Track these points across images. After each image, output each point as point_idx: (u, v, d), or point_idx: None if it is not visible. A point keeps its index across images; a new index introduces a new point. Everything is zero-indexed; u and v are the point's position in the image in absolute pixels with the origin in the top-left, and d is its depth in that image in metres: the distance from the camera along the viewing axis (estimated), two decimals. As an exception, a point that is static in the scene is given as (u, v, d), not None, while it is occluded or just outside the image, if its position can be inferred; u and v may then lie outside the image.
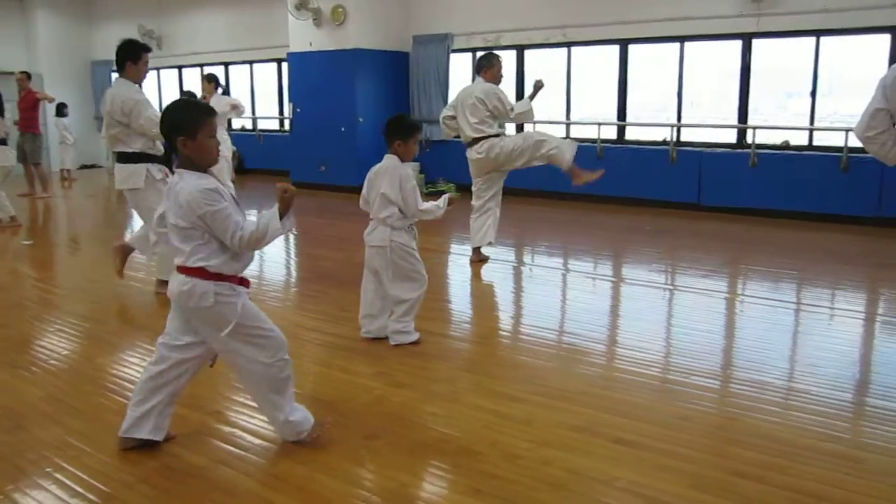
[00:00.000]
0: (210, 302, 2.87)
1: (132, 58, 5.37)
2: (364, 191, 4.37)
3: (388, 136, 4.31)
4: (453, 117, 6.60)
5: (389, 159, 4.30)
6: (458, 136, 6.64)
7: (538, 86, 6.59)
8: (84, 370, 4.16)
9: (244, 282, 3.03)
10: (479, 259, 6.64)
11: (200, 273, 2.87)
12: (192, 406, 3.56)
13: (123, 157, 5.40)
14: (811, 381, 3.89)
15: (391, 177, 4.24)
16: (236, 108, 9.24)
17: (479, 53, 11.24)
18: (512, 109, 6.42)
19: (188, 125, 2.81)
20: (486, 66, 6.50)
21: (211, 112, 2.93)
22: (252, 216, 2.99)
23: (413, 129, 4.37)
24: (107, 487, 2.82)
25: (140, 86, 5.48)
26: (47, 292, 6.03)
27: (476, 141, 6.39)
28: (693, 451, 3.09)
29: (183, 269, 2.90)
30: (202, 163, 2.88)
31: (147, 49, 5.50)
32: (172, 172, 5.38)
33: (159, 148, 5.44)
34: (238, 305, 2.92)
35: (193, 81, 14.81)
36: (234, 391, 3.78)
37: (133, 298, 5.80)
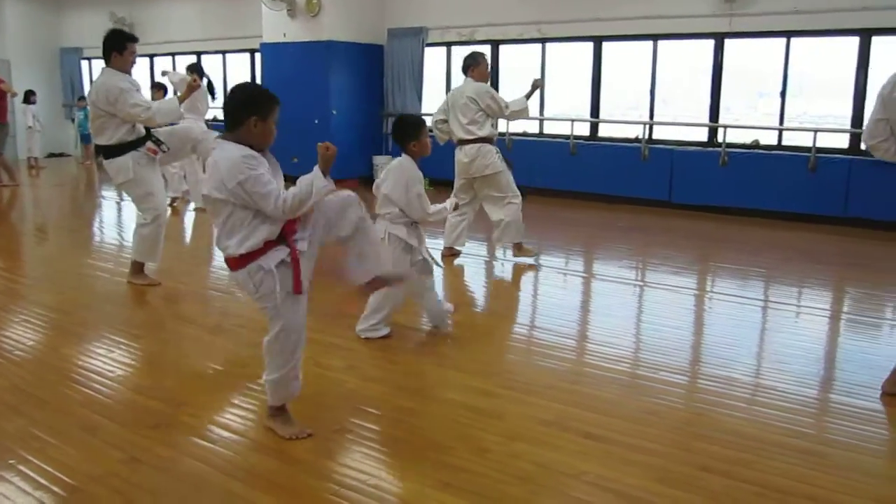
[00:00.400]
0: (272, 281, 2.95)
1: (117, 48, 5.31)
2: (378, 179, 4.38)
3: (400, 141, 4.34)
4: (445, 121, 6.57)
5: (403, 160, 4.32)
6: (451, 139, 6.59)
7: (536, 84, 6.59)
8: (49, 361, 4.10)
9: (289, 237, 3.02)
10: (451, 253, 6.63)
11: (250, 258, 2.93)
12: (161, 398, 3.53)
13: (108, 151, 5.35)
14: (778, 377, 3.95)
15: (396, 179, 4.24)
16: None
17: (454, 48, 11.42)
18: (507, 107, 6.38)
19: (264, 107, 2.92)
20: (473, 65, 6.46)
21: (278, 101, 3.01)
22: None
23: (420, 125, 4.39)
24: (72, 480, 2.78)
25: (130, 74, 5.41)
26: (13, 282, 5.93)
27: (466, 142, 6.35)
28: (660, 445, 3.12)
29: (234, 262, 2.97)
30: (262, 144, 2.97)
31: (133, 39, 5.44)
32: (159, 146, 5.36)
33: (140, 131, 5.38)
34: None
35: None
36: (205, 383, 3.76)
37: (100, 288, 5.72)
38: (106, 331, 4.59)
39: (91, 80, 16.23)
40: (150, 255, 5.58)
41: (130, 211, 9.87)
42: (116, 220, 9.24)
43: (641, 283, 6.27)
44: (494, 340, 4.62)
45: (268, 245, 2.96)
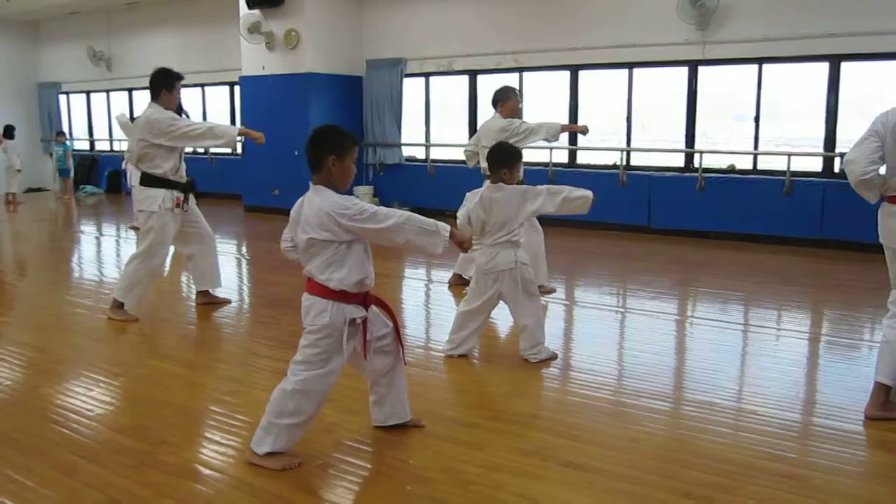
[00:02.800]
0: (325, 321, 3.04)
1: (167, 86, 5.52)
2: (470, 216, 4.47)
3: (495, 167, 4.50)
4: (475, 153, 6.64)
5: (497, 188, 4.47)
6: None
7: (583, 130, 6.83)
8: (27, 400, 4.04)
9: (368, 299, 3.17)
10: (459, 282, 6.63)
11: (321, 291, 3.04)
12: (139, 437, 3.49)
13: (146, 179, 5.50)
14: (758, 401, 3.97)
15: (508, 203, 4.43)
16: None
17: (433, 78, 11.52)
18: (528, 133, 6.40)
19: (341, 146, 3.05)
20: (503, 100, 6.45)
21: (357, 140, 3.16)
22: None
23: (518, 155, 4.66)
24: (49, 523, 2.74)
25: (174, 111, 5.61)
26: (-11, 320, 5.87)
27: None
28: (642, 473, 3.12)
29: (309, 284, 3.10)
30: (342, 184, 3.09)
31: (181, 77, 5.64)
32: (187, 201, 5.44)
33: (181, 176, 5.59)
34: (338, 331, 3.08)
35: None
36: (184, 421, 3.72)
37: (79, 325, 5.67)
38: (85, 369, 4.54)
39: (70, 115, 16.29)
40: (130, 295, 5.57)
41: (109, 245, 9.83)
42: (95, 256, 9.18)
43: (622, 309, 6.30)
44: (475, 370, 4.61)
45: (353, 297, 3.08)
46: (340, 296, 3.04)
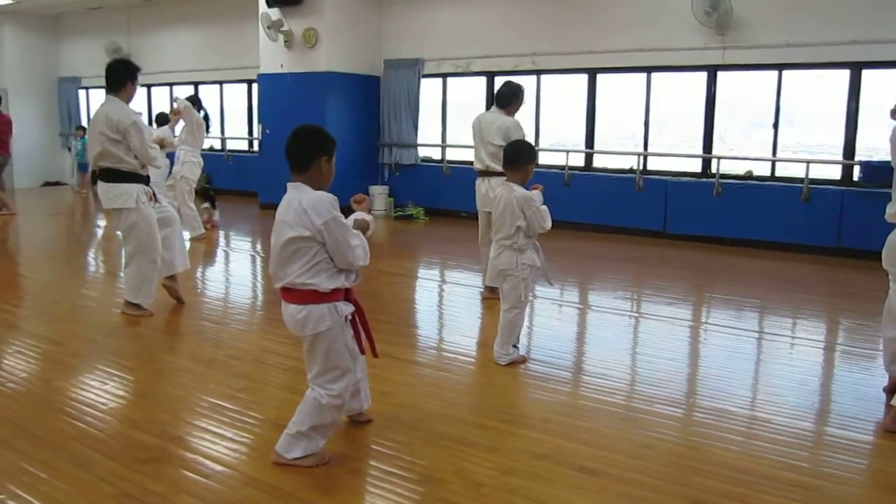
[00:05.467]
0: (328, 324, 3.02)
1: (132, 79, 5.44)
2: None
3: (520, 162, 4.57)
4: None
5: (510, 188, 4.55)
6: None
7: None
8: (42, 393, 4.08)
9: (349, 294, 3.17)
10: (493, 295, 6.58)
11: (310, 296, 2.99)
12: (153, 432, 3.51)
13: (112, 175, 5.37)
14: (772, 409, 3.94)
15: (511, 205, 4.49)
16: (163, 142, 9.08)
17: (450, 79, 11.52)
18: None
19: (331, 147, 3.12)
20: (516, 102, 6.38)
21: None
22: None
23: (534, 154, 4.78)
24: (62, 515, 2.76)
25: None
26: (6, 312, 5.91)
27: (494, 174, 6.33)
28: (654, 479, 3.11)
29: (293, 295, 3.02)
30: (326, 184, 3.10)
31: (139, 69, 5.59)
32: (154, 195, 5.42)
33: (148, 169, 5.50)
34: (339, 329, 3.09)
35: (164, 101, 14.76)
36: (197, 417, 3.74)
37: (94, 319, 5.71)
38: (99, 362, 4.58)
39: (88, 109, 16.40)
40: (141, 293, 5.59)
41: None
42: (111, 250, 9.23)
43: (636, 314, 6.27)
44: (487, 372, 4.61)
45: (342, 293, 3.10)
46: (333, 295, 3.03)
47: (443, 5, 11.45)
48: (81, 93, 16.56)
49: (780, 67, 8.84)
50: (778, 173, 9.22)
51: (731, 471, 3.18)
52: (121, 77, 5.38)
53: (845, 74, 8.51)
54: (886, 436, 3.62)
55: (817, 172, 8.85)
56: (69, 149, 16.12)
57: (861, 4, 8.22)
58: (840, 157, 8.70)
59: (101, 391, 4.07)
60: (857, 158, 8.54)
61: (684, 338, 5.55)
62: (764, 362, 5.01)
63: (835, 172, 8.85)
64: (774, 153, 9.13)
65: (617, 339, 5.46)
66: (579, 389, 4.31)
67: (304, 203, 2.93)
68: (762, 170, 9.34)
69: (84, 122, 16.43)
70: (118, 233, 6.21)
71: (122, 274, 6.02)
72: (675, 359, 4.96)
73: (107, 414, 3.76)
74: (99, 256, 8.76)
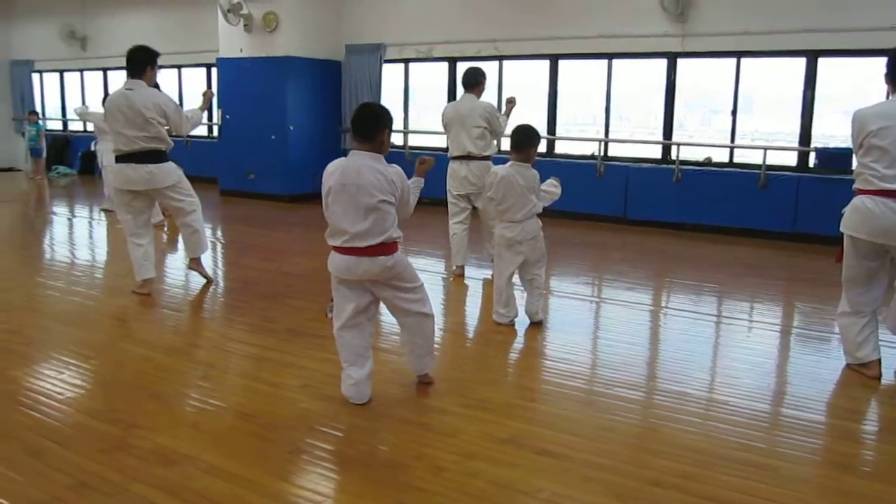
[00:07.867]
0: (403, 257, 3.66)
1: (152, 64, 5.64)
2: (498, 194, 5.00)
3: (527, 145, 5.11)
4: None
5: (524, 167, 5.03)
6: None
7: (512, 103, 6.77)
8: (-4, 383, 3.99)
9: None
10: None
11: (395, 246, 3.57)
12: (111, 421, 3.46)
13: (162, 156, 5.64)
14: (729, 392, 4.01)
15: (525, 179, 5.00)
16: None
17: (412, 64, 11.47)
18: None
19: (392, 123, 3.64)
20: (482, 82, 6.62)
21: None
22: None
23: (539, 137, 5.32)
24: (17, 506, 2.71)
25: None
26: (-42, 301, 5.78)
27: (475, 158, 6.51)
28: (615, 461, 3.15)
29: (383, 248, 3.51)
30: (385, 151, 3.59)
31: (158, 54, 5.79)
32: None
33: (170, 143, 5.73)
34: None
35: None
36: (157, 405, 3.69)
37: (50, 308, 5.60)
38: (56, 351, 4.49)
39: (42, 93, 16.02)
40: (203, 245, 6.13)
41: (82, 227, 9.71)
42: (67, 237, 9.06)
43: (597, 299, 6.33)
44: (448, 358, 4.62)
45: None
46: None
47: (405, -10, 11.37)
48: (35, 76, 16.17)
49: (739, 55, 8.95)
50: (736, 160, 9.35)
51: (690, 452, 3.23)
52: (141, 63, 5.61)
53: (802, 63, 8.64)
54: (839, 416, 3.71)
55: (774, 159, 9.00)
56: (23, 134, 15.72)
57: (817, -7, 8.36)
58: (796, 144, 8.85)
59: (57, 380, 4.00)
60: (812, 145, 8.69)
61: (644, 322, 5.62)
62: (722, 346, 5.10)
63: (791, 159, 9.01)
64: (733, 140, 9.25)
65: (578, 324, 5.50)
66: (541, 374, 4.35)
67: (390, 174, 3.50)
68: (721, 156, 9.46)
69: (37, 107, 16.06)
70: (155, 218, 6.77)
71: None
72: (636, 343, 5.01)
73: (63, 403, 3.70)
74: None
